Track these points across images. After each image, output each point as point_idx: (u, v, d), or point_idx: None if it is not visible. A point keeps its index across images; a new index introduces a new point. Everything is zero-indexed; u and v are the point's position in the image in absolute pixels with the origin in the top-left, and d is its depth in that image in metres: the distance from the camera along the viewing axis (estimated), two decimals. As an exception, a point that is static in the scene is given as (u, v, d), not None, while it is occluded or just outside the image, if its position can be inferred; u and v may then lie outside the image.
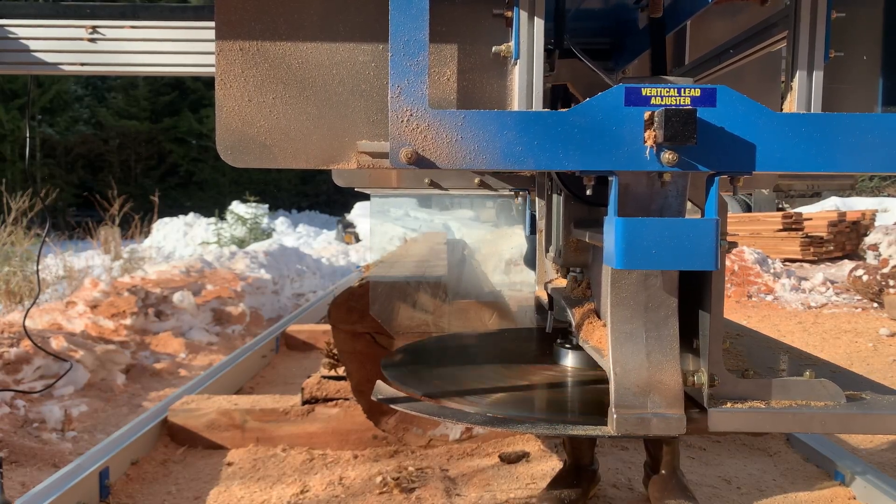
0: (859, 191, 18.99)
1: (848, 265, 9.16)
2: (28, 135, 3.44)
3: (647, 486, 2.26)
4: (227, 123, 1.35)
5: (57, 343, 4.02)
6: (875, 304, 7.17)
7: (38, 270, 3.18)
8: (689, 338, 1.27)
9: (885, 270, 7.12)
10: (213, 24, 1.33)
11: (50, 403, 3.47)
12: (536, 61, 1.21)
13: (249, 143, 1.35)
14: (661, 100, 1.08)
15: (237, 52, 1.34)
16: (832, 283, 8.26)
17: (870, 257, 10.22)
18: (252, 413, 2.95)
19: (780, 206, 15.94)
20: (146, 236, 14.19)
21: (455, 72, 1.31)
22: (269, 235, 16.00)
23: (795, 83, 1.19)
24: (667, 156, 1.07)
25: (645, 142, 1.07)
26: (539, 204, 1.93)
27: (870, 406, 1.21)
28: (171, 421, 2.97)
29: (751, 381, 1.23)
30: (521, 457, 2.68)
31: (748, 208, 15.15)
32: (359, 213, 17.74)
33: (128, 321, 5.01)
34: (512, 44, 1.22)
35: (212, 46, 1.35)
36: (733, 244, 1.28)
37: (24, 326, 3.00)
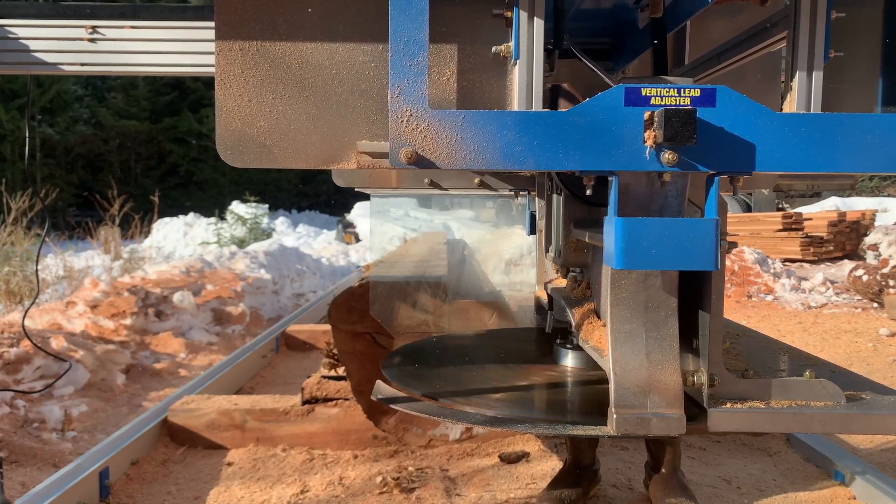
0: (859, 191, 18.99)
1: (848, 265, 9.16)
2: (28, 135, 3.44)
3: (647, 486, 2.26)
4: (226, 123, 1.35)
5: (57, 343, 4.02)
6: (875, 304, 7.17)
7: (37, 270, 3.18)
8: (689, 338, 1.27)
9: (885, 270, 7.12)
10: (213, 24, 1.33)
11: (50, 403, 3.47)
12: (536, 61, 1.21)
13: (249, 143, 1.35)
14: (661, 100, 1.08)
15: (237, 52, 1.34)
16: (832, 283, 8.26)
17: (870, 257, 10.22)
18: (252, 413, 2.95)
19: (780, 206, 15.94)
20: (146, 236, 14.19)
21: (455, 72, 1.32)
22: (269, 235, 16.00)
23: (795, 83, 1.19)
24: (667, 156, 1.07)
25: (645, 142, 1.08)
26: (539, 204, 1.93)
27: (870, 406, 1.21)
28: (171, 421, 2.97)
29: (751, 381, 1.23)
30: (521, 457, 2.68)
31: (748, 208, 15.15)
32: (359, 213, 17.74)
33: (128, 321, 5.01)
34: (512, 44, 1.22)
35: (212, 46, 1.35)
36: (733, 244, 1.28)
37: (23, 326, 3.01)
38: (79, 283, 6.44)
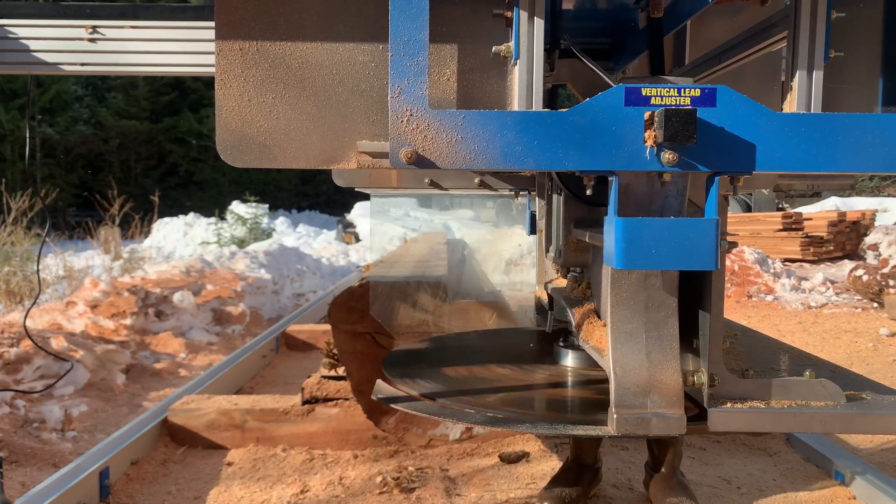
0: (859, 191, 19.00)
1: (848, 265, 9.16)
2: (28, 135, 3.45)
3: (647, 486, 2.26)
4: (226, 123, 1.35)
5: (57, 343, 4.02)
6: (875, 304, 7.17)
7: (38, 270, 3.18)
8: (689, 338, 1.27)
9: (885, 270, 7.12)
10: (213, 24, 1.33)
11: (50, 403, 3.47)
12: (536, 61, 1.21)
13: (249, 143, 1.35)
14: (661, 100, 1.08)
15: (237, 52, 1.34)
16: (832, 283, 8.26)
17: (870, 257, 10.22)
18: (252, 413, 2.95)
19: (780, 206, 15.95)
20: (146, 236, 14.19)
21: (455, 72, 1.31)
22: (269, 235, 16.01)
23: (795, 83, 1.19)
24: (667, 156, 1.07)
25: (645, 142, 1.08)
26: (539, 204, 1.93)
27: (870, 406, 1.21)
28: (171, 421, 2.97)
29: (751, 381, 1.23)
30: (521, 457, 2.68)
31: (748, 208, 15.15)
32: (359, 213, 17.74)
33: (128, 321, 5.01)
34: (512, 44, 1.22)
35: (212, 46, 1.35)
36: (733, 244, 1.28)
37: (24, 326, 3.01)
38: (79, 283, 6.44)
